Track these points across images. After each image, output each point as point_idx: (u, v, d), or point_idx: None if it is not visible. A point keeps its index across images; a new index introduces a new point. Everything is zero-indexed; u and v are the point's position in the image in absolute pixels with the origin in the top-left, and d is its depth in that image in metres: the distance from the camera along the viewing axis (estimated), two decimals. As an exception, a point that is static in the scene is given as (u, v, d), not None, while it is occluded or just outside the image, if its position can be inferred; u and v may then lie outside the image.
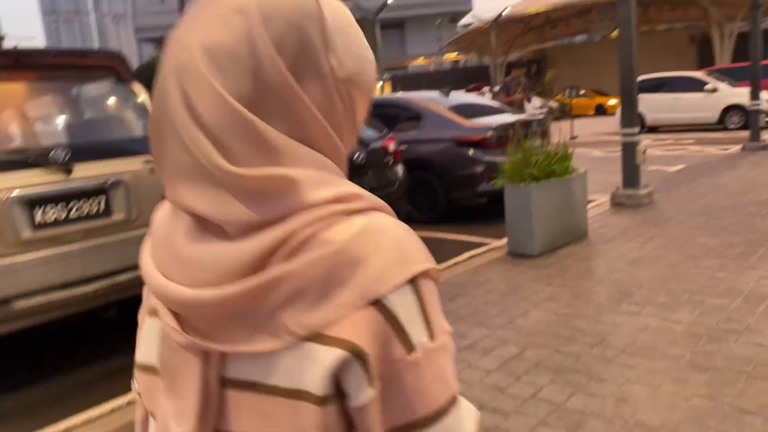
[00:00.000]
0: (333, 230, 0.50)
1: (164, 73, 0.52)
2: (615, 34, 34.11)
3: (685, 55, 32.46)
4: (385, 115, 7.04)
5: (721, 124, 15.72)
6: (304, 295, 0.49)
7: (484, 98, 9.94)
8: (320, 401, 0.50)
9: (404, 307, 0.50)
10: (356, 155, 5.56)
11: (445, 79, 33.25)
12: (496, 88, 14.42)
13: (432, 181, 6.92)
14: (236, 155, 0.50)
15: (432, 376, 0.51)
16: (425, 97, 7.56)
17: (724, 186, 7.55)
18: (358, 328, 0.49)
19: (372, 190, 0.55)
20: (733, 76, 16.80)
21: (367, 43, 0.58)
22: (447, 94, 7.73)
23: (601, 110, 26.43)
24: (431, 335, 0.52)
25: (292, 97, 0.51)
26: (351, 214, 0.52)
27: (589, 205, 6.39)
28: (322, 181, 0.52)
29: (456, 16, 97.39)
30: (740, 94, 15.37)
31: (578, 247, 5.28)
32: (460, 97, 8.00)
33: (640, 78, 10.51)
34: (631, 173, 6.90)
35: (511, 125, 6.72)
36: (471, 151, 6.70)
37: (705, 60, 30.16)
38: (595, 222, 6.08)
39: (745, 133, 13.94)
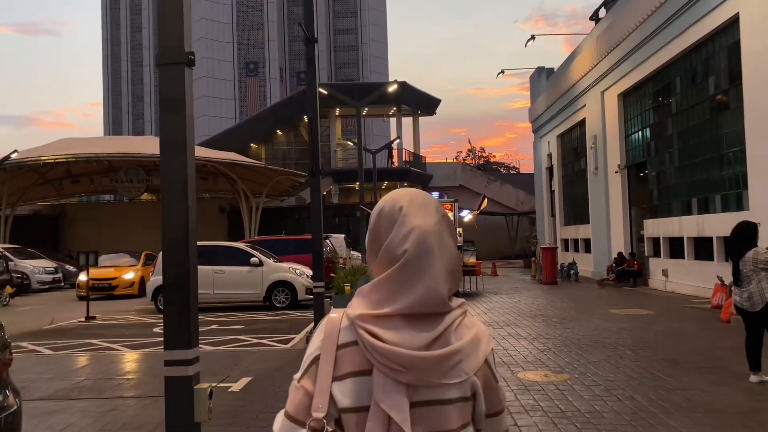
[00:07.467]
0: (467, 321, 1.22)
1: (425, 238, 1.19)
2: (145, 196, 31.39)
3: (217, 225, 32.45)
4: None
5: (267, 301, 14.17)
6: (467, 355, 1.16)
7: None
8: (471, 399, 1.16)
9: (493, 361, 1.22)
10: None
11: None
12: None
13: None
14: (449, 288, 1.20)
15: (501, 395, 1.27)
16: None
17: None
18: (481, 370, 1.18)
19: None
20: (269, 249, 15.99)
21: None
22: None
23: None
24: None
25: (455, 246, 1.25)
26: (466, 313, 1.23)
27: None
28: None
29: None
30: (285, 269, 14.30)
31: None
32: None
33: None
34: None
35: None
36: None
37: (236, 231, 30.48)
38: None
39: (295, 314, 12.65)
